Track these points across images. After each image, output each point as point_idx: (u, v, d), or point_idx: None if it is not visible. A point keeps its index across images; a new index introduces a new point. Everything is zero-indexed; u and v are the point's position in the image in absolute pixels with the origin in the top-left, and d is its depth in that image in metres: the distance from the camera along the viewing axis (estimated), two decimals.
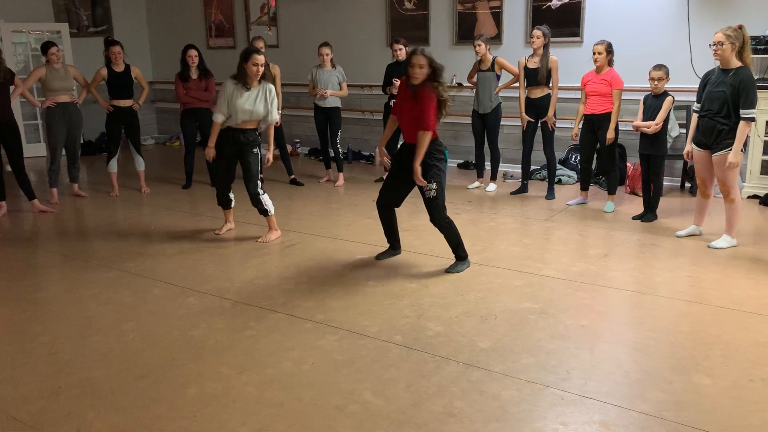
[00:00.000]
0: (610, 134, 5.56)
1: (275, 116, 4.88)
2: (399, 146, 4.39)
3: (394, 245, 4.53)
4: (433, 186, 4.04)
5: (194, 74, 6.66)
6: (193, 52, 6.60)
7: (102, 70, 6.31)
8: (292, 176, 7.13)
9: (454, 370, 2.94)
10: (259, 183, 4.88)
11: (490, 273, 4.20)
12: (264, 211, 4.94)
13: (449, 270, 4.22)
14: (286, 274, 4.26)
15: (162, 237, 5.17)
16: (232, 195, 5.11)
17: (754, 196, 5.92)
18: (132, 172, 6.96)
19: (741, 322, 3.38)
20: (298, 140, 9.06)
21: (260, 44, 6.76)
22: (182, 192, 6.85)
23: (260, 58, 4.63)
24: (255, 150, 4.86)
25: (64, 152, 6.43)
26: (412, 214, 5.42)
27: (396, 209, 4.43)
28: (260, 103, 4.75)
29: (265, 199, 4.92)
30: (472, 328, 3.37)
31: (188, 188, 6.95)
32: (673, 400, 2.65)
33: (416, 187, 4.17)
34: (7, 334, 3.41)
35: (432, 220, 4.16)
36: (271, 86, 4.82)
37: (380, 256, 4.49)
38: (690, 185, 6.44)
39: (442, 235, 4.25)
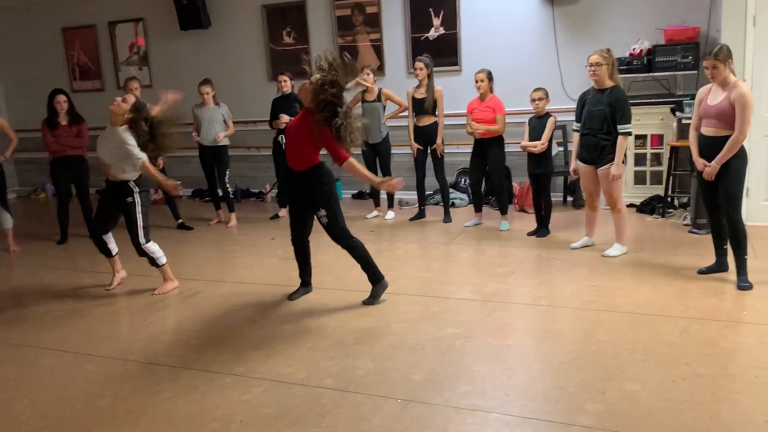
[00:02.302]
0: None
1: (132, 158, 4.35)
2: (286, 176, 4.29)
3: (306, 281, 4.38)
4: (322, 212, 4.02)
5: (63, 120, 6.16)
6: (61, 98, 6.11)
7: None
8: (180, 220, 6.76)
9: (393, 409, 2.84)
10: (142, 232, 4.50)
11: (408, 301, 4.16)
12: (154, 263, 4.60)
13: (367, 302, 4.11)
14: (193, 327, 3.96)
15: (43, 299, 4.66)
16: (112, 243, 4.72)
17: (630, 205, 6.37)
18: None
19: (651, 326, 3.56)
20: (179, 182, 8.61)
21: (134, 85, 6.42)
22: (57, 248, 6.26)
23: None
24: (129, 198, 4.48)
25: None
26: (316, 249, 5.26)
27: (308, 241, 4.33)
28: (110, 153, 4.36)
29: (152, 248, 4.56)
30: (403, 361, 3.29)
31: (63, 243, 6.37)
32: (610, 410, 2.71)
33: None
34: None
35: (335, 240, 4.10)
36: (123, 132, 4.33)
37: (293, 296, 4.31)
38: (572, 199, 6.82)
39: (354, 262, 4.16)
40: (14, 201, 9.11)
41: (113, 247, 4.74)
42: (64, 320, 4.21)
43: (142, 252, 4.54)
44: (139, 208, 4.50)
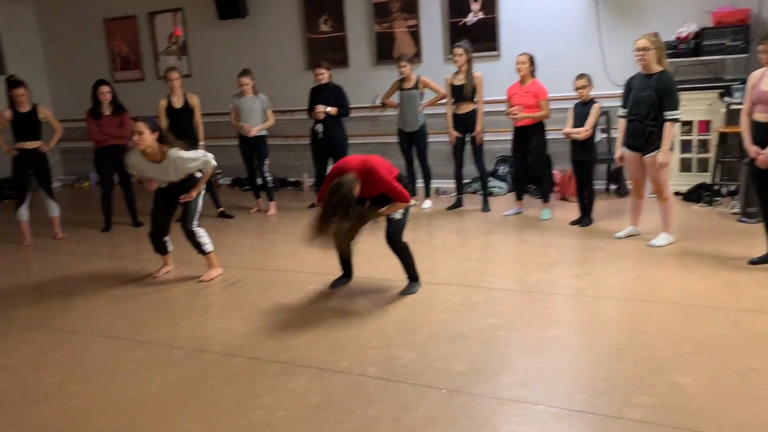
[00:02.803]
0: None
1: (203, 165, 4.52)
2: None
3: (347, 273, 4.38)
4: (401, 210, 3.96)
5: (107, 110, 6.28)
6: (105, 88, 6.23)
7: (5, 112, 5.82)
8: (221, 209, 6.84)
9: (437, 398, 2.83)
10: (196, 216, 4.60)
11: (448, 291, 4.13)
12: (201, 249, 4.65)
13: (404, 293, 4.10)
14: (237, 314, 4.01)
15: (89, 286, 4.77)
16: (169, 241, 4.80)
17: (676, 193, 6.21)
18: (43, 218, 6.45)
19: (700, 317, 3.47)
20: (219, 171, 8.73)
21: (174, 75, 6.50)
22: (102, 236, 6.40)
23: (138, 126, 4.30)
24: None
25: None
26: None
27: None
28: (179, 174, 4.48)
29: (201, 233, 4.63)
30: (445, 351, 3.28)
31: (108, 231, 6.50)
32: (660, 403, 2.66)
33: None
34: None
35: (389, 241, 4.03)
36: (174, 155, 4.40)
37: (334, 285, 4.32)
38: (616, 187, 6.69)
39: (396, 257, 4.12)
40: (59, 189, 9.35)
41: (170, 245, 4.82)
42: (111, 307, 4.31)
43: (191, 236, 4.59)
44: (201, 196, 4.62)
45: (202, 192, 4.66)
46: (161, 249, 4.81)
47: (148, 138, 4.34)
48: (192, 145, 6.56)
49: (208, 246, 4.67)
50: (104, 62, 9.31)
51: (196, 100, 6.62)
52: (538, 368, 3.04)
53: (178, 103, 6.50)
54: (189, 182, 4.57)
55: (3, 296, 4.72)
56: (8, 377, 3.33)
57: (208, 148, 7.00)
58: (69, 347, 3.68)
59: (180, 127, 6.50)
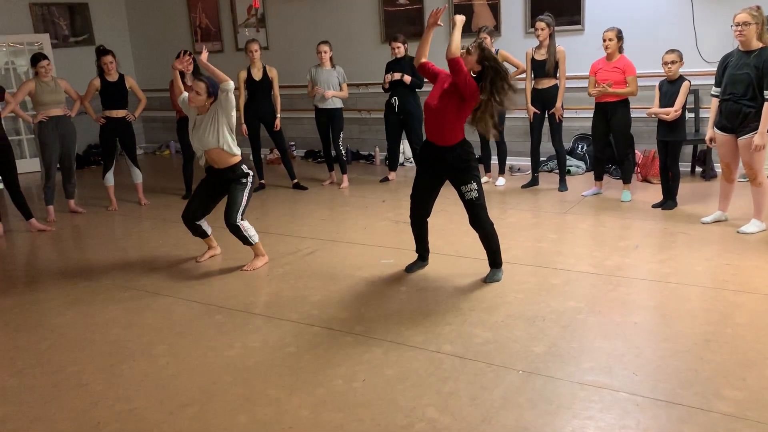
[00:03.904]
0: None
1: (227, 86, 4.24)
2: (420, 149, 4.14)
3: (423, 256, 4.27)
4: (474, 186, 3.79)
5: (190, 81, 6.42)
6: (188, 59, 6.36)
7: (95, 81, 6.07)
8: (295, 180, 6.94)
9: (515, 380, 2.80)
10: (241, 210, 4.33)
11: (524, 272, 4.07)
12: (247, 242, 4.41)
13: (488, 280, 3.94)
14: (312, 284, 4.08)
15: (172, 251, 4.96)
16: (205, 224, 4.61)
17: None
18: (128, 184, 6.73)
19: None
20: (293, 143, 8.85)
21: (255, 47, 6.58)
22: (182, 202, 6.56)
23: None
24: (244, 180, 4.38)
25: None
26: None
27: (427, 222, 4.17)
28: (210, 133, 4.26)
29: (247, 226, 4.38)
30: (522, 333, 3.23)
31: (188, 198, 6.70)
32: (752, 398, 2.54)
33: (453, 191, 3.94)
34: (30, 366, 3.19)
35: (474, 223, 3.87)
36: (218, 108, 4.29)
37: (409, 268, 4.22)
38: (702, 170, 6.39)
39: (480, 240, 3.94)
40: (141, 157, 9.66)
41: (207, 227, 4.63)
42: (193, 272, 4.46)
43: (236, 230, 4.35)
44: (248, 190, 4.39)
45: (249, 189, 4.40)
46: (199, 233, 4.61)
47: (202, 101, 4.27)
48: (271, 113, 6.69)
49: (255, 237, 4.43)
50: (186, 34, 9.53)
51: (275, 72, 6.70)
52: (619, 354, 2.95)
53: (257, 75, 6.60)
54: (238, 171, 4.38)
55: (93, 257, 4.97)
56: (99, 335, 3.52)
57: (284, 120, 7.16)
58: (154, 309, 3.84)
59: (258, 99, 6.63)
